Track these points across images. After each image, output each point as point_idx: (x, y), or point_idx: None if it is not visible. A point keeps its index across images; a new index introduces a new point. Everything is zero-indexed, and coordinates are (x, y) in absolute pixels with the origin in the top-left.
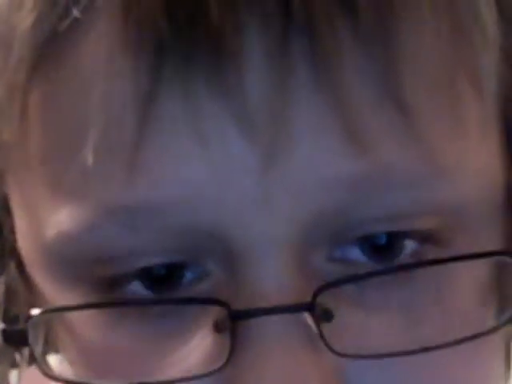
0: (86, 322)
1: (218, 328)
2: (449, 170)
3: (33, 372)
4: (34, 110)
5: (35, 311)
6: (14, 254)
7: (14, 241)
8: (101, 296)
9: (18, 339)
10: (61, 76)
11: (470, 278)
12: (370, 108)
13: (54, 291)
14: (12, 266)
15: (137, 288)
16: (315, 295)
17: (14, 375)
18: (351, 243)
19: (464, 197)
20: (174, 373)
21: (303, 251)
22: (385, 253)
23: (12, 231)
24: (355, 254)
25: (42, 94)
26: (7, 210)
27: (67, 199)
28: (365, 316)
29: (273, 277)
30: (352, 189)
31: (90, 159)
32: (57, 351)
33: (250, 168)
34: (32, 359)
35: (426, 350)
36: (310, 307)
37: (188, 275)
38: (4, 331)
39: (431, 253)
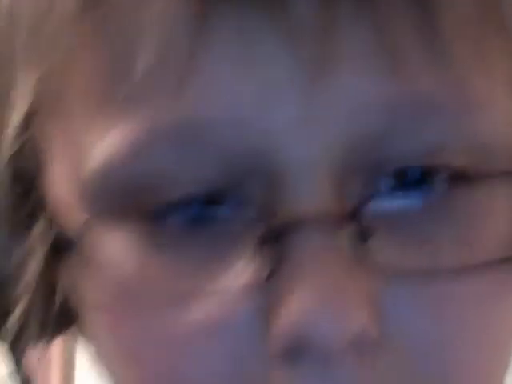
0: (124, 253)
1: (258, 248)
2: (483, 107)
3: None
4: (83, 37)
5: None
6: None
7: (43, 198)
8: (142, 225)
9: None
10: (112, 0)
11: (501, 210)
12: (412, 36)
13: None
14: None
15: (179, 212)
16: (353, 215)
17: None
18: (386, 175)
19: (494, 135)
20: (214, 295)
21: (342, 176)
22: (418, 186)
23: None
24: (389, 185)
25: (93, 19)
26: (35, 166)
27: (115, 122)
28: (400, 239)
29: (312, 196)
30: (391, 115)
31: (139, 80)
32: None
33: (295, 90)
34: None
35: (459, 271)
36: (347, 225)
37: (228, 200)
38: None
39: (461, 189)
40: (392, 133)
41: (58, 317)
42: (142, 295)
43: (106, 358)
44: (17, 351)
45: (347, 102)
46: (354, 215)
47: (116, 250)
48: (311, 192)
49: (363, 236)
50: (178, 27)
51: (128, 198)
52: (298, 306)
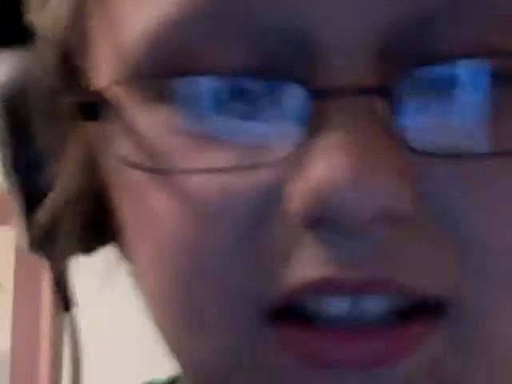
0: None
1: (292, 115)
2: None
3: None
4: None
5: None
6: None
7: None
8: (176, 95)
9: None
10: None
11: None
12: None
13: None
14: None
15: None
16: (388, 90)
17: None
18: (424, 61)
19: None
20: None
21: (381, 54)
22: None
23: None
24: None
25: None
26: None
27: None
28: (432, 121)
29: (350, 70)
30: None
31: None
32: None
33: None
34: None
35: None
36: (383, 91)
37: (264, 75)
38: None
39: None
40: (430, 19)
41: (95, 226)
42: (173, 159)
43: (136, 241)
44: (55, 263)
45: None
46: (389, 90)
47: (143, 117)
48: (349, 66)
49: (397, 111)
50: None
51: (166, 64)
52: (325, 169)
